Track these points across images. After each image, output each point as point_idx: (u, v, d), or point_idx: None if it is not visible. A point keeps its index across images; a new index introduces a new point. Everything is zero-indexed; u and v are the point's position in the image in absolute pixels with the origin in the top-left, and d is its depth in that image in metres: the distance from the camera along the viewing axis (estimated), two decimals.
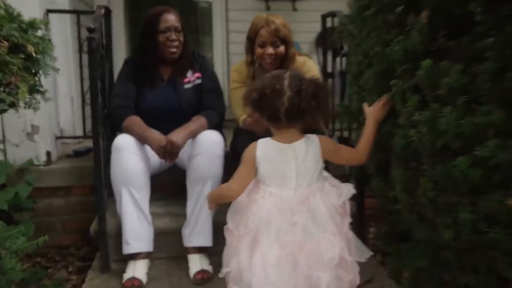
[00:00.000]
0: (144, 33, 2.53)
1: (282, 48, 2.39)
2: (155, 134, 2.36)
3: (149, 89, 2.55)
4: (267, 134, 1.60)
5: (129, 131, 2.41)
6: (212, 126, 2.49)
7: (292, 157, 1.52)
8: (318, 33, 4.25)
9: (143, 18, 2.56)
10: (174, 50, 2.50)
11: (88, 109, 2.49)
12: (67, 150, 3.10)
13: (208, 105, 2.56)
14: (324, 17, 3.08)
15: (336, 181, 1.60)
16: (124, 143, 2.36)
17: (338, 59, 2.90)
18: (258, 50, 2.42)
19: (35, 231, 2.51)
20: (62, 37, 3.33)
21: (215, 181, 2.38)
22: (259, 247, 1.49)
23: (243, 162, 1.57)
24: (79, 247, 2.84)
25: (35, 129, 2.75)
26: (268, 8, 4.72)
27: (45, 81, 1.93)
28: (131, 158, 2.34)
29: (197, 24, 5.16)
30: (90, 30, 2.15)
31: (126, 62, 2.61)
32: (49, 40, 1.76)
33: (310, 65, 2.52)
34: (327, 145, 1.57)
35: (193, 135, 2.41)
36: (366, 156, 1.60)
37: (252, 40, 2.44)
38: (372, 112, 1.59)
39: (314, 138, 1.56)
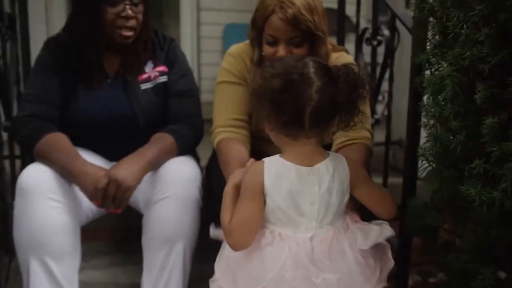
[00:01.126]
0: (78, 2, 1.57)
1: (303, 49, 1.45)
2: (89, 167, 1.45)
3: (84, 90, 1.61)
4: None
5: (45, 159, 1.48)
6: (184, 149, 1.61)
7: (315, 185, 1.14)
8: None
9: None
10: (129, 33, 1.57)
11: None
12: None
13: (177, 115, 1.65)
14: None
15: (356, 216, 1.24)
16: (34, 181, 1.43)
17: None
18: (267, 49, 1.48)
19: None
20: None
21: (189, 242, 1.52)
22: None
23: (244, 196, 1.16)
24: None
25: None
26: None
27: None
28: (46, 207, 1.41)
29: None
30: None
31: (47, 45, 1.63)
32: None
33: (344, 59, 1.60)
34: (357, 173, 1.20)
35: (154, 166, 1.52)
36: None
37: (258, 28, 1.48)
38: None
39: (341, 159, 1.19)
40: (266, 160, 1.16)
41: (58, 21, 3.69)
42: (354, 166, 1.20)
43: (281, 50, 1.43)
